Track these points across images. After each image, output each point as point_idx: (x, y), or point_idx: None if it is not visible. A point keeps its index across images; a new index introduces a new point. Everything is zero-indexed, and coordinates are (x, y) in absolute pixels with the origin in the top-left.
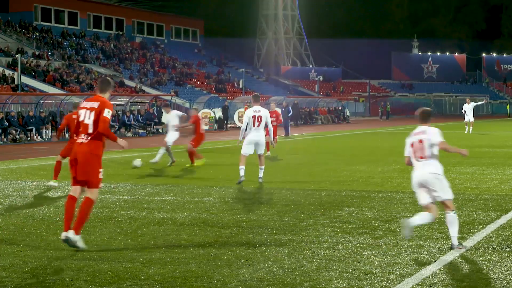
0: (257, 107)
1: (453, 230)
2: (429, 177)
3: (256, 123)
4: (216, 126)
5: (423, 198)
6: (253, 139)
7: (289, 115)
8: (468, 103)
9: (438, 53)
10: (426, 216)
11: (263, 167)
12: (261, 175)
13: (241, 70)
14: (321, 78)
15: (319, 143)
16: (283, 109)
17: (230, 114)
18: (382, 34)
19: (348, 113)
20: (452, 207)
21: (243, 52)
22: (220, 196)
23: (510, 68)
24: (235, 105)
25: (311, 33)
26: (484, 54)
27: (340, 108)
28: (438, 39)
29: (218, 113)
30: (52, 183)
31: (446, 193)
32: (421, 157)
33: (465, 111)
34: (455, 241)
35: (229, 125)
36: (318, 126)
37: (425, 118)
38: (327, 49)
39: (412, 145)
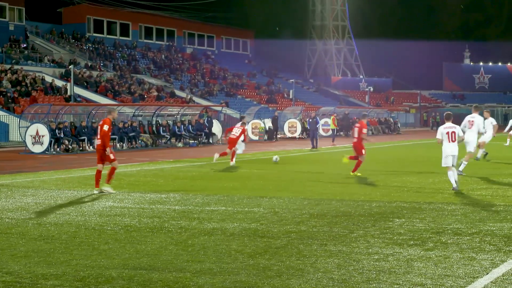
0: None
1: None
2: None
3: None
4: (266, 137)
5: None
6: None
7: (317, 125)
8: (487, 116)
9: (490, 63)
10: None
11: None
12: None
13: (291, 80)
14: (372, 89)
15: (368, 153)
16: (309, 120)
17: (280, 124)
18: (433, 44)
19: (399, 124)
20: None
21: (293, 62)
22: (269, 206)
23: None
24: (285, 115)
25: (363, 44)
26: None
27: (390, 118)
28: (490, 48)
29: (268, 123)
30: (108, 189)
31: None
32: (452, 141)
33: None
34: None
35: (278, 136)
36: (368, 137)
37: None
38: (378, 60)
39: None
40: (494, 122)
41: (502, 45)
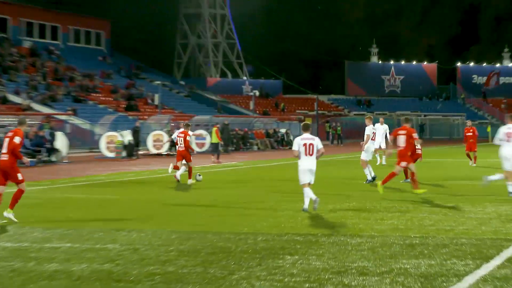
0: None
1: None
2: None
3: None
4: (124, 153)
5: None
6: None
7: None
8: (382, 123)
9: (403, 62)
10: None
11: None
12: None
13: (156, 82)
14: (257, 93)
15: (254, 174)
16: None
17: (142, 137)
18: (333, 39)
19: (291, 137)
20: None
21: (160, 60)
22: (128, 242)
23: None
24: (148, 126)
25: (245, 37)
26: (459, 64)
27: (280, 130)
28: (403, 45)
29: (127, 136)
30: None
31: None
32: (310, 154)
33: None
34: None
35: (140, 152)
36: (253, 153)
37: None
38: (265, 58)
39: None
40: None
41: (417, 40)
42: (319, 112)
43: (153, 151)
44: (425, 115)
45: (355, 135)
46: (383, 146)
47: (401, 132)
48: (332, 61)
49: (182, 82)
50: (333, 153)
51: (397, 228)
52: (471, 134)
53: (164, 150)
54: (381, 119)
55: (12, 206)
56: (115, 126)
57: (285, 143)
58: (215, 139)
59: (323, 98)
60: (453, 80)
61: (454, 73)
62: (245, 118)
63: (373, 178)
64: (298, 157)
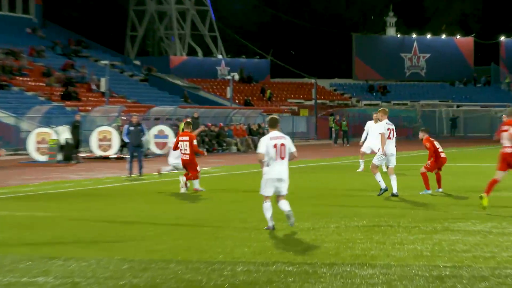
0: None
1: None
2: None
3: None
4: (60, 156)
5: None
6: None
7: (143, 138)
8: (376, 120)
9: (429, 36)
10: None
11: None
12: None
13: (103, 62)
14: (237, 77)
15: (232, 183)
16: (129, 128)
17: (84, 135)
18: (337, 4)
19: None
20: None
21: (108, 33)
22: (65, 274)
23: None
24: (92, 121)
25: (222, 2)
26: (502, 38)
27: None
28: (429, 14)
29: (64, 134)
30: None
31: None
32: (281, 157)
33: (367, 133)
34: None
35: (81, 154)
36: (231, 156)
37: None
38: (247, 30)
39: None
40: None
41: (447, 7)
42: (319, 101)
43: (99, 153)
44: (458, 106)
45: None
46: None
47: (505, 128)
48: (336, 34)
49: (137, 62)
50: (337, 155)
51: (421, 255)
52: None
53: (113, 151)
54: (376, 114)
55: None
56: (48, 121)
57: None
58: None
59: (324, 83)
60: (495, 60)
61: (496, 50)
62: (220, 110)
63: (385, 189)
64: (264, 162)
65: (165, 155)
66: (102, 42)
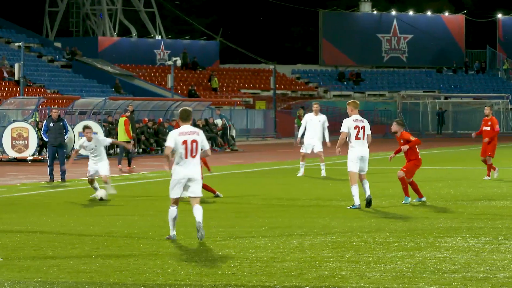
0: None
1: None
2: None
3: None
4: None
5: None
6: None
7: (65, 135)
8: (316, 113)
9: (411, 13)
10: None
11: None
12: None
13: (17, 44)
14: (179, 62)
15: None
16: (49, 124)
17: None
18: None
19: (234, 132)
20: None
21: (22, 10)
22: None
23: None
24: (4, 115)
25: None
26: (500, 15)
27: (216, 121)
28: None
29: None
30: None
31: None
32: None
33: (305, 128)
34: None
35: None
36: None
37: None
38: (191, 4)
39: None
40: None
41: None
42: (278, 92)
43: (12, 154)
44: (446, 98)
45: (337, 127)
46: (319, 148)
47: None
48: (299, 11)
49: (58, 44)
50: (298, 157)
51: (401, 276)
52: (488, 129)
53: (30, 152)
54: (315, 106)
55: None
56: None
57: (223, 141)
58: (124, 136)
59: (285, 69)
60: (491, 42)
61: (493, 30)
62: (160, 102)
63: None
64: (172, 159)
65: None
66: (15, 19)
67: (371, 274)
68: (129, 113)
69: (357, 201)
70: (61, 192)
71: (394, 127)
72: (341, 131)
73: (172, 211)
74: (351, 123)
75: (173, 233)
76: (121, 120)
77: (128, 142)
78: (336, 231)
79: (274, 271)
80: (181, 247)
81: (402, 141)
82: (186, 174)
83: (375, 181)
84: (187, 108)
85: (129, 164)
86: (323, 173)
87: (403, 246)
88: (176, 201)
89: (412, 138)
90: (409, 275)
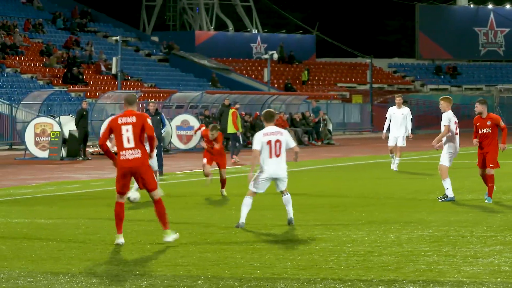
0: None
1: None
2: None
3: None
4: (63, 153)
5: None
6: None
7: (163, 129)
8: (399, 106)
9: (508, 6)
10: None
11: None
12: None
13: (115, 38)
14: (276, 56)
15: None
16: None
17: (93, 126)
18: None
19: (330, 126)
20: None
21: (119, 3)
22: None
23: None
24: (102, 109)
25: None
26: None
27: (313, 115)
28: None
29: (69, 125)
30: None
31: None
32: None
33: (390, 122)
34: None
35: (90, 150)
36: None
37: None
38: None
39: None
40: None
41: None
42: (375, 86)
43: (36, 153)
44: None
45: (433, 122)
46: (401, 142)
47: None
48: (396, 4)
49: (155, 38)
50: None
51: (498, 270)
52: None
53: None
54: (398, 99)
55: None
56: (49, 109)
57: (320, 135)
58: (232, 128)
59: (381, 63)
60: None
61: None
62: (256, 96)
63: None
64: (259, 160)
65: (190, 151)
66: (113, 14)
67: (468, 268)
68: (238, 105)
69: (450, 193)
70: (159, 185)
71: (479, 107)
72: (444, 125)
73: (248, 200)
74: (452, 117)
75: (242, 221)
76: (230, 111)
77: (235, 133)
78: (433, 225)
79: (371, 265)
80: (277, 241)
81: (489, 122)
82: (271, 174)
83: (470, 176)
84: (270, 109)
85: (236, 154)
86: (395, 167)
87: (501, 241)
88: (254, 194)
89: (502, 124)
90: (507, 270)
